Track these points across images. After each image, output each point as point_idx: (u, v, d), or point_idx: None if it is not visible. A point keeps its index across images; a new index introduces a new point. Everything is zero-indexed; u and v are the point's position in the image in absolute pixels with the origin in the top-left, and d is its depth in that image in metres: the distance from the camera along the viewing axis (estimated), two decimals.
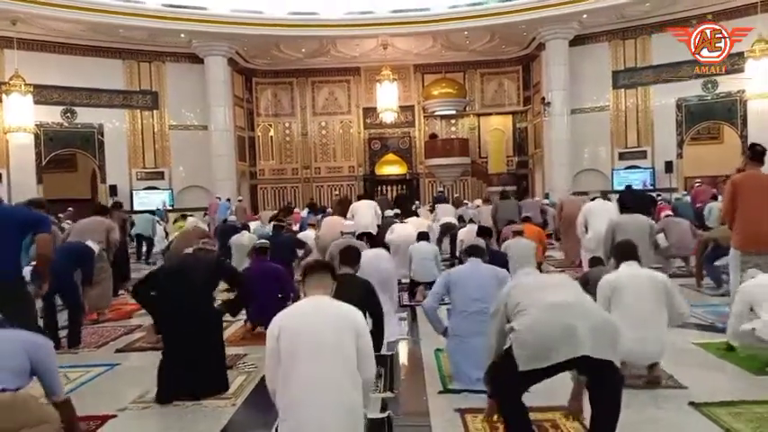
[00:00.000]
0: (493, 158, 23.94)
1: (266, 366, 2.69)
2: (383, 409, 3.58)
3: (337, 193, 22.61)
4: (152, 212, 14.06)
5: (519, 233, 7.42)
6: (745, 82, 16.15)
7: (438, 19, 19.03)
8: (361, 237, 7.33)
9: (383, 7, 19.08)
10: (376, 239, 7.64)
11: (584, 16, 18.19)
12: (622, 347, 3.18)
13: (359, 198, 18.03)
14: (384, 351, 4.52)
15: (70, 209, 14.74)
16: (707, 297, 6.70)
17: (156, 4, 17.30)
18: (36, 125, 17.03)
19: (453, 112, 23.55)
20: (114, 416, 3.66)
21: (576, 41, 19.38)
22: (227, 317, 4.74)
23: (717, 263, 6.89)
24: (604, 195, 9.82)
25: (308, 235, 9.30)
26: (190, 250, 4.97)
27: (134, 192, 19.52)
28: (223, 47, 19.28)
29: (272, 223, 9.70)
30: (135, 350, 5.36)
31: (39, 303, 4.82)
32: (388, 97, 20.74)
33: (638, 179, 19.22)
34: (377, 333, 4.06)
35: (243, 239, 8.93)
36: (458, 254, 8.50)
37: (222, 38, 18.82)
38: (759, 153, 5.05)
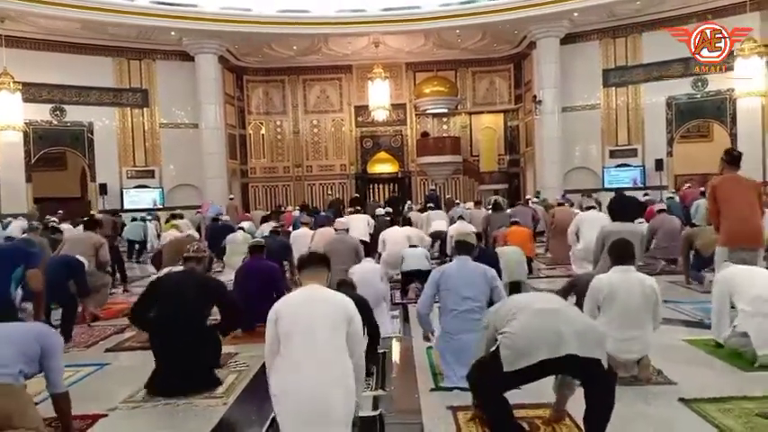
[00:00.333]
0: (484, 157, 23.99)
1: (266, 349, 2.94)
2: (375, 407, 3.58)
3: (330, 193, 22.58)
4: (143, 219, 14.00)
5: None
6: (734, 80, 16.24)
7: (429, 17, 19.03)
8: None
9: (375, 5, 19.05)
10: (369, 246, 7.79)
11: (575, 14, 18.26)
12: (610, 346, 3.36)
13: (352, 201, 18.09)
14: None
15: (60, 212, 14.59)
16: (696, 294, 6.73)
17: (145, 1, 17.20)
18: (25, 123, 16.88)
19: (445, 111, 23.57)
20: (105, 415, 3.65)
21: (567, 40, 19.44)
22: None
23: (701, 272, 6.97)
24: (590, 199, 9.89)
25: (302, 233, 9.37)
26: (180, 267, 4.97)
27: (124, 190, 19.42)
28: (213, 44, 19.20)
29: (269, 229, 9.73)
30: (125, 350, 5.33)
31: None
32: (379, 95, 20.72)
33: (628, 177, 19.34)
34: (372, 350, 4.19)
35: (237, 238, 9.04)
36: (448, 251, 8.53)
37: (213, 35, 18.73)
38: (735, 158, 5.35)
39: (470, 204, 15.26)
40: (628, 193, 15.56)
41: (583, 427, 2.85)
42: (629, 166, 19.45)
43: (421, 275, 7.10)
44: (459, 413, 3.39)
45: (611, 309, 3.84)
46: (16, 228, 11.35)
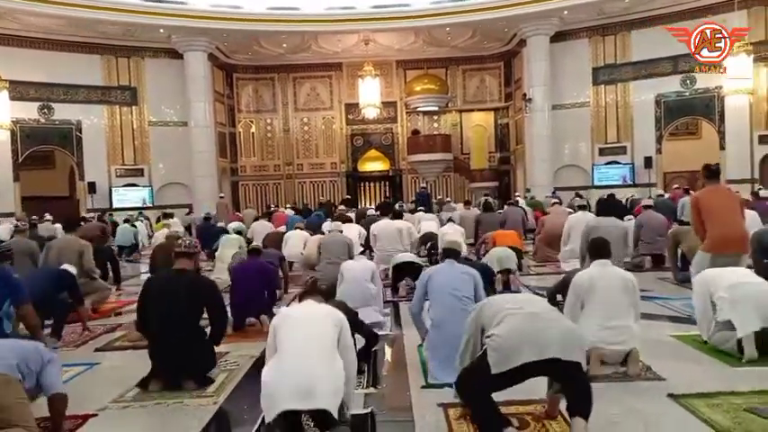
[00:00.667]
0: (475, 154, 24.04)
1: (266, 354, 3.12)
2: (366, 405, 3.58)
3: (323, 198, 22.47)
4: (133, 225, 13.94)
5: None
6: (722, 78, 16.35)
7: (420, 15, 19.05)
8: None
9: (364, 3, 19.04)
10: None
11: (565, 12, 18.33)
12: (595, 336, 3.78)
13: (343, 202, 18.04)
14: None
15: (47, 215, 14.44)
16: (684, 290, 6.77)
17: None
18: (12, 121, 16.74)
19: (435, 109, 23.59)
20: (95, 415, 3.62)
21: (557, 38, 19.52)
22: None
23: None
24: (582, 199, 9.97)
25: (297, 235, 9.50)
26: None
27: (113, 189, 19.31)
28: (203, 42, 19.11)
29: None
30: (115, 349, 5.30)
31: None
32: (370, 93, 20.72)
33: (617, 175, 19.45)
34: (366, 351, 4.30)
35: (231, 238, 9.14)
36: (438, 252, 8.57)
37: (202, 33, 18.65)
38: (714, 172, 5.58)
39: (460, 205, 15.27)
40: (616, 194, 15.85)
41: (568, 416, 2.91)
42: (618, 163, 19.56)
43: (411, 270, 7.16)
44: (449, 410, 3.40)
45: (593, 300, 3.99)
46: (4, 231, 11.27)
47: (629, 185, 19.03)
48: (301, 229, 10.05)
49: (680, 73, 18.33)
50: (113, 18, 17.14)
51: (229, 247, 8.81)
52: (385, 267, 7.96)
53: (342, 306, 4.30)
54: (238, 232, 12.92)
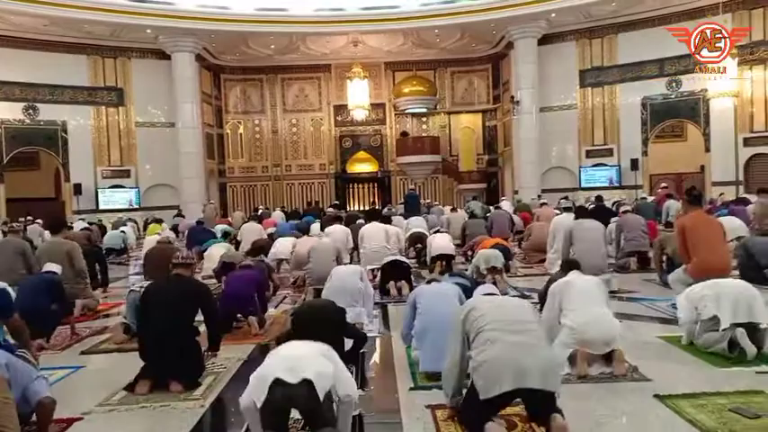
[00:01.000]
0: (463, 156, 24.12)
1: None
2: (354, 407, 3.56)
3: (310, 201, 22.41)
4: (123, 231, 13.86)
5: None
6: (707, 81, 16.52)
7: (408, 17, 19.11)
8: None
9: (353, 4, 19.06)
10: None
11: (553, 15, 18.45)
12: (581, 328, 3.94)
13: (332, 206, 18.02)
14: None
15: (29, 217, 14.27)
16: (670, 292, 6.82)
17: None
18: None
19: (424, 110, 23.66)
20: (80, 419, 3.58)
21: (545, 40, 19.64)
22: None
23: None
24: (567, 201, 10.11)
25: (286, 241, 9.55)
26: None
27: (99, 190, 19.17)
28: (190, 43, 19.04)
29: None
30: (100, 352, 5.24)
31: None
32: (359, 94, 20.74)
33: (604, 176, 19.59)
34: (354, 353, 4.27)
35: (219, 251, 9.11)
36: (426, 258, 8.60)
37: (189, 34, 18.57)
38: (696, 198, 5.80)
39: (448, 209, 15.36)
40: (603, 195, 16.04)
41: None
42: (605, 165, 19.71)
43: (400, 271, 7.17)
44: (437, 411, 3.40)
45: (570, 295, 4.14)
46: None
47: (616, 187, 19.20)
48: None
49: (666, 76, 18.52)
50: (100, 18, 17.05)
51: (217, 249, 8.98)
52: (372, 268, 7.98)
53: (331, 305, 4.31)
54: (226, 233, 13.05)
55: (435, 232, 10.24)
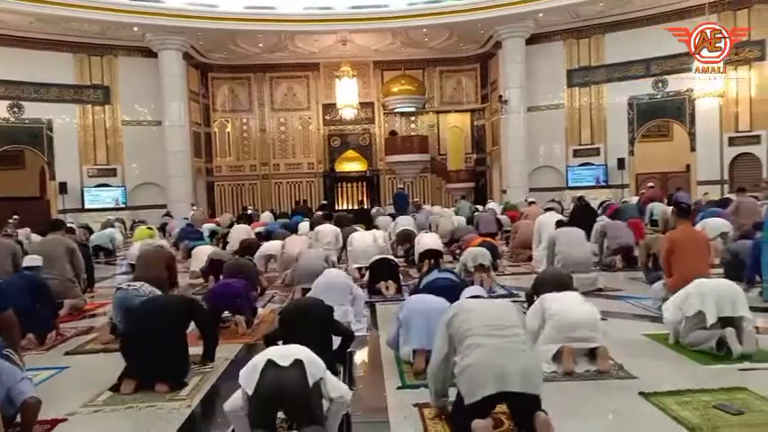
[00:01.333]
0: (452, 155, 24.17)
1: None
2: None
3: (298, 200, 22.36)
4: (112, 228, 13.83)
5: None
6: (693, 81, 16.68)
7: (397, 16, 19.11)
8: None
9: (342, 3, 19.03)
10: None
11: (540, 15, 18.52)
12: (563, 314, 4.10)
13: (320, 208, 18.01)
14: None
15: (15, 216, 14.13)
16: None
17: None
18: None
19: (413, 110, 23.67)
20: (64, 420, 3.55)
21: (533, 40, 19.72)
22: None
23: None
24: (552, 202, 10.32)
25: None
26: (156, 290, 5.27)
27: (85, 189, 19.01)
28: (177, 41, 18.91)
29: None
30: (85, 352, 5.19)
31: None
32: (347, 93, 20.71)
33: (591, 176, 19.71)
34: (342, 351, 4.27)
35: (206, 250, 9.11)
36: (415, 259, 8.63)
37: (176, 32, 18.46)
38: (685, 210, 6.02)
39: (437, 207, 15.47)
40: (590, 195, 16.24)
41: None
42: (591, 164, 19.83)
43: (389, 270, 7.18)
44: (425, 410, 3.41)
45: (553, 296, 4.33)
46: None
47: (603, 186, 19.33)
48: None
49: (652, 76, 18.67)
50: (86, 16, 16.89)
51: (204, 248, 9.14)
52: (359, 267, 7.99)
53: (318, 303, 4.30)
54: (214, 232, 13.03)
55: (425, 231, 10.37)
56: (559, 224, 8.03)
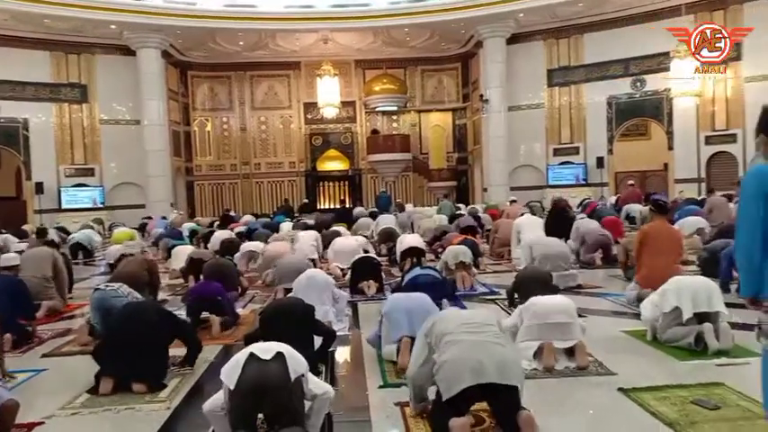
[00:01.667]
0: (434, 154, 24.23)
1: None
2: None
3: (285, 198, 22.24)
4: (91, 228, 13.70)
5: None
6: (670, 80, 16.90)
7: (378, 15, 19.10)
8: None
9: (323, 2, 18.97)
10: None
11: (520, 15, 18.64)
12: (540, 301, 4.26)
13: (301, 207, 17.99)
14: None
15: None
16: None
17: None
18: None
19: (394, 109, 23.69)
20: (41, 423, 3.49)
21: (513, 40, 19.84)
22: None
23: None
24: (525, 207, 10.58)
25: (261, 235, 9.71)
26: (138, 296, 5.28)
27: (62, 189, 18.73)
28: (156, 39, 18.71)
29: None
30: (63, 354, 5.11)
31: None
32: (329, 92, 20.63)
33: (571, 174, 19.89)
34: (323, 350, 4.25)
35: (186, 250, 9.15)
36: (397, 258, 8.64)
37: (155, 30, 18.26)
38: (661, 206, 6.11)
39: (419, 209, 15.64)
40: (570, 193, 16.44)
41: None
42: (571, 163, 20.01)
43: (371, 268, 7.18)
44: (406, 409, 3.41)
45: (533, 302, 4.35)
46: None
47: (582, 185, 19.52)
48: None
49: (630, 75, 18.89)
50: (62, 13, 16.64)
51: (184, 248, 9.26)
52: (342, 267, 7.98)
53: (299, 303, 4.29)
54: (194, 231, 12.97)
55: (407, 231, 10.48)
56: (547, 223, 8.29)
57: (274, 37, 20.63)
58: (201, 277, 6.82)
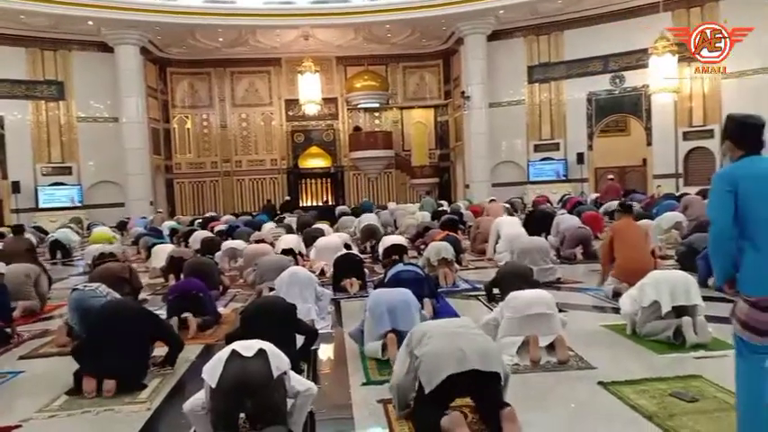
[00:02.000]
0: (416, 151, 24.26)
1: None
2: None
3: (267, 200, 22.10)
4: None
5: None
6: (648, 77, 17.08)
7: (359, 11, 19.07)
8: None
9: None
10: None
11: (501, 12, 18.72)
12: (518, 293, 4.34)
13: (283, 205, 17.84)
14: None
15: None
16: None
17: None
18: None
19: (376, 105, 23.67)
20: (18, 426, 3.44)
21: (494, 37, 19.92)
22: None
23: None
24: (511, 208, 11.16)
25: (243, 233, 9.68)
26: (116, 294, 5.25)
27: (39, 188, 18.45)
28: (135, 35, 18.49)
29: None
30: (40, 356, 5.03)
31: None
32: (310, 89, 20.54)
33: (551, 170, 20.05)
34: (305, 349, 4.25)
35: (166, 249, 9.07)
36: (379, 255, 8.65)
37: (133, 26, 18.03)
38: (627, 207, 6.88)
39: (401, 205, 15.72)
40: (551, 189, 16.56)
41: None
42: (552, 159, 20.15)
43: (354, 265, 7.17)
44: (389, 406, 3.41)
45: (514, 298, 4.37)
46: None
47: (563, 181, 19.68)
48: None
49: (609, 72, 19.07)
50: (38, 9, 16.36)
51: (164, 247, 9.18)
52: (324, 263, 7.98)
53: (280, 302, 4.27)
54: (174, 230, 12.87)
55: (388, 232, 10.56)
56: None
57: (254, 33, 20.48)
58: (182, 276, 6.75)
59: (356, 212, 15.03)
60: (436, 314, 5.42)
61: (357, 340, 4.55)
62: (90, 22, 17.62)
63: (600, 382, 3.65)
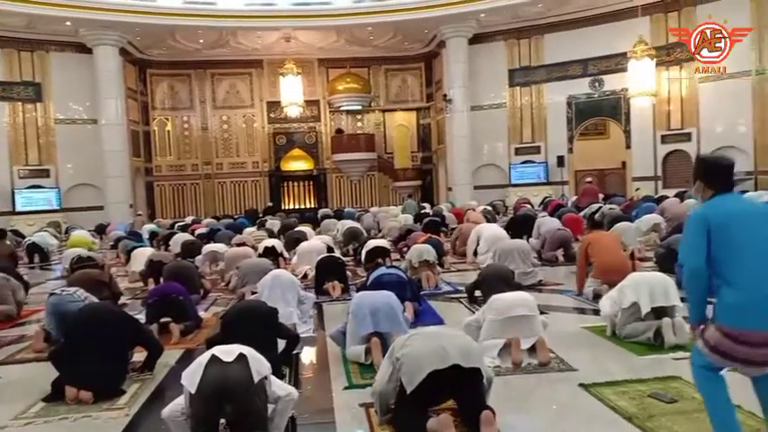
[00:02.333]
0: (398, 154, 24.30)
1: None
2: None
3: (249, 206, 21.97)
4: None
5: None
6: (627, 81, 17.28)
7: (341, 13, 19.06)
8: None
9: None
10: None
11: (482, 15, 18.82)
12: (500, 296, 4.35)
13: (266, 210, 17.70)
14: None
15: None
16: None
17: None
18: None
19: (359, 108, 23.66)
20: None
21: (475, 40, 20.03)
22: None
23: None
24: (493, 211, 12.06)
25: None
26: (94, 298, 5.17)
27: (16, 191, 18.14)
28: (113, 36, 18.27)
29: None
30: (16, 362, 4.94)
31: None
32: (292, 91, 20.47)
33: (532, 173, 20.19)
34: (287, 353, 4.24)
35: (146, 252, 8.96)
36: (362, 258, 8.64)
37: (112, 27, 17.82)
38: (596, 223, 7.79)
39: (384, 208, 15.74)
40: (532, 192, 16.66)
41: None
42: (533, 162, 20.30)
43: (336, 268, 7.15)
44: (371, 410, 3.40)
45: (496, 300, 4.38)
46: None
47: (544, 183, 19.83)
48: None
49: (589, 75, 19.27)
50: (13, 9, 16.09)
51: (143, 250, 9.09)
52: (307, 267, 7.94)
53: (262, 306, 4.24)
54: (154, 233, 12.74)
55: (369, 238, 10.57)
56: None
57: (235, 35, 20.36)
58: (162, 280, 6.68)
59: (338, 214, 15.02)
60: (418, 317, 5.43)
61: (339, 342, 4.53)
62: (68, 23, 17.38)
63: (581, 384, 3.67)
